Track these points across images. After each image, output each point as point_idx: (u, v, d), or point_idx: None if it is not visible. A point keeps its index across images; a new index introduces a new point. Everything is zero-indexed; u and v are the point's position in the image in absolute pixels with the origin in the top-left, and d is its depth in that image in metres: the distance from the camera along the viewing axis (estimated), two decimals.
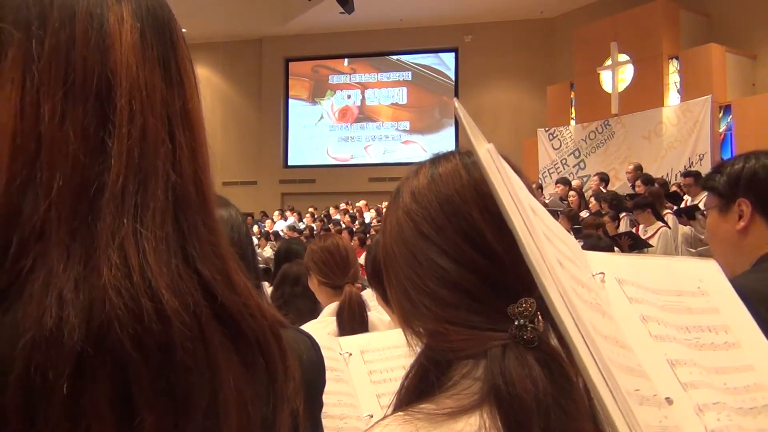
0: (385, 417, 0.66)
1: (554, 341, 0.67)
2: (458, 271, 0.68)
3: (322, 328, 1.90)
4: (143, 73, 0.50)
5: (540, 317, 0.66)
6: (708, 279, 0.85)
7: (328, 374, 1.37)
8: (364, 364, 1.40)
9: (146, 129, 0.50)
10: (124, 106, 0.49)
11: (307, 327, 1.86)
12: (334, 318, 1.91)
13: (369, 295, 2.08)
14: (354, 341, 1.47)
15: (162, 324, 0.46)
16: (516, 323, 0.65)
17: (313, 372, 0.65)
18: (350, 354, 1.41)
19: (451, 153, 0.76)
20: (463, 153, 0.75)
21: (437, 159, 0.76)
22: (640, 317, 0.74)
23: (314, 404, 0.65)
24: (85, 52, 0.48)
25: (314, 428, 0.64)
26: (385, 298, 1.66)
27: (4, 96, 0.46)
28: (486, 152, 0.62)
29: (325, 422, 1.30)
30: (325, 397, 1.35)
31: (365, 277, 2.22)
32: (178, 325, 0.46)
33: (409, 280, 0.71)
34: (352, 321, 1.86)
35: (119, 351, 0.44)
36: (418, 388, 0.68)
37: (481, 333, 0.66)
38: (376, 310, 2.06)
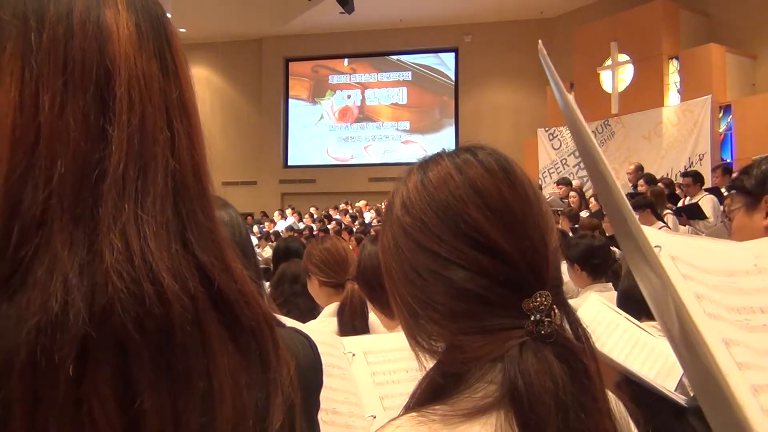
0: (398, 417, 0.64)
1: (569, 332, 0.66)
2: (466, 277, 0.64)
3: (321, 328, 1.90)
4: (141, 64, 0.51)
5: (556, 310, 0.64)
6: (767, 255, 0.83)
7: (334, 372, 1.38)
8: (368, 365, 1.40)
9: (145, 117, 0.50)
10: (124, 94, 0.49)
11: (307, 327, 1.86)
12: (334, 318, 1.91)
13: None
14: (357, 342, 1.47)
15: (163, 307, 0.47)
16: (532, 318, 0.63)
17: (309, 372, 0.64)
18: (353, 354, 1.41)
19: (438, 155, 0.72)
20: (452, 153, 0.72)
21: (425, 163, 0.72)
22: (694, 295, 0.74)
23: (311, 403, 0.65)
24: (84, 44, 0.49)
25: (311, 427, 0.64)
26: (372, 301, 1.68)
27: (3, 88, 0.47)
28: (572, 98, 0.62)
29: (334, 418, 1.30)
30: (333, 394, 1.36)
31: None
32: (178, 308, 0.47)
33: (414, 297, 0.68)
34: (353, 318, 1.86)
35: (121, 333, 0.45)
36: (432, 395, 0.65)
37: (497, 335, 0.63)
38: None
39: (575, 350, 0.63)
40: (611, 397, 0.68)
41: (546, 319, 0.62)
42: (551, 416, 0.58)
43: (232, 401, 0.50)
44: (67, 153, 0.47)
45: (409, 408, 0.66)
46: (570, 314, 0.67)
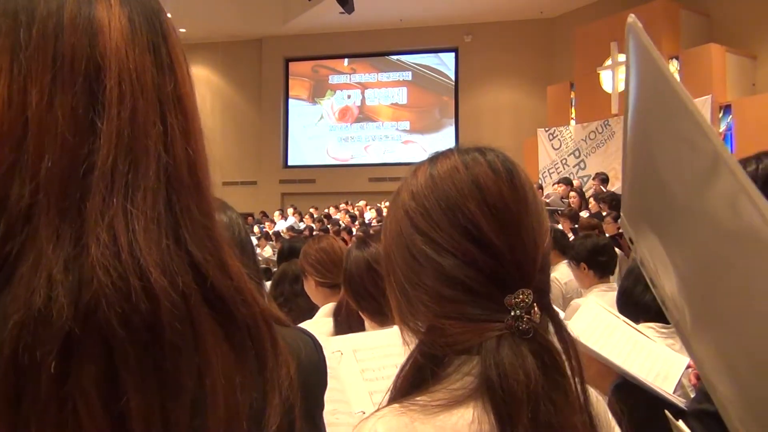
0: (380, 408, 0.67)
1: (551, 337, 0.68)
2: (455, 265, 0.68)
3: (316, 328, 1.90)
4: (132, 56, 0.50)
5: (536, 308, 0.67)
6: None
7: None
8: (357, 362, 1.40)
9: (136, 110, 0.50)
10: (114, 87, 0.49)
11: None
12: (330, 319, 1.91)
13: None
14: (346, 341, 1.47)
15: (150, 303, 0.45)
16: (512, 314, 0.66)
17: (312, 372, 0.63)
18: (342, 353, 1.41)
19: (449, 151, 0.76)
20: (462, 150, 0.75)
21: (435, 158, 0.76)
22: None
23: (313, 404, 0.64)
24: (73, 39, 0.49)
25: (314, 429, 0.64)
26: (361, 309, 1.66)
27: None
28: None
29: None
30: None
31: None
32: (167, 304, 0.46)
33: (406, 277, 0.72)
34: (350, 319, 1.86)
35: (106, 330, 0.44)
36: (413, 382, 0.69)
37: (477, 325, 0.66)
38: None
39: (551, 348, 0.66)
40: (592, 394, 0.70)
41: (525, 316, 0.66)
42: (522, 407, 0.61)
43: (225, 402, 0.49)
44: (55, 147, 0.46)
45: (393, 394, 0.70)
46: (554, 317, 0.70)
